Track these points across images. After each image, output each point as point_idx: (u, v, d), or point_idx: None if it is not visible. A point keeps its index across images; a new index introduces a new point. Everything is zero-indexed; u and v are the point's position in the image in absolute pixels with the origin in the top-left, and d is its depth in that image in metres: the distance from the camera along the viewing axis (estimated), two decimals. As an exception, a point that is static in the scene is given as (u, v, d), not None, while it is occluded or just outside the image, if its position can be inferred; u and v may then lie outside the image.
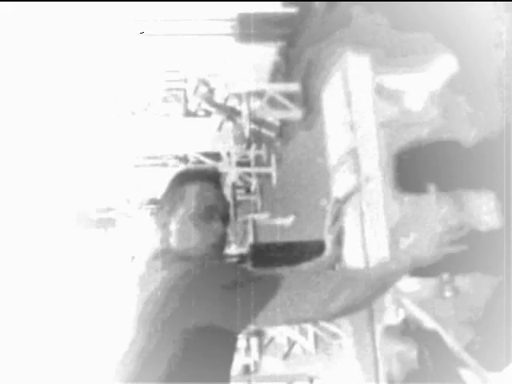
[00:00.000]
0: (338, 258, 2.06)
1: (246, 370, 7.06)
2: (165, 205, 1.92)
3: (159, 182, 8.34)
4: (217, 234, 1.88)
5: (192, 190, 1.89)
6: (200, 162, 8.00)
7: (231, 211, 2.04)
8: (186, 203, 1.87)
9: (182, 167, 8.10)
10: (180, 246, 1.84)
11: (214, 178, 1.96)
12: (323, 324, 5.70)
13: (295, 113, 6.41)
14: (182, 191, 1.89)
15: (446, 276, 2.27)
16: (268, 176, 7.51)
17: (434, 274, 2.51)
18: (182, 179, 1.94)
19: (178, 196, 1.89)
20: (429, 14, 2.78)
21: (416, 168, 2.40)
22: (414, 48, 2.87)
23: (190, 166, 7.99)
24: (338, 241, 2.05)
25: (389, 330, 2.01)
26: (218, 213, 1.89)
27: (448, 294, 2.26)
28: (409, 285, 2.26)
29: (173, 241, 1.86)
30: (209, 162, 7.95)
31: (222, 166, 7.75)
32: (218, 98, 7.35)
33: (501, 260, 2.19)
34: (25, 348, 6.57)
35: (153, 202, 9.05)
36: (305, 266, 2.07)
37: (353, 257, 2.27)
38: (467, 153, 2.38)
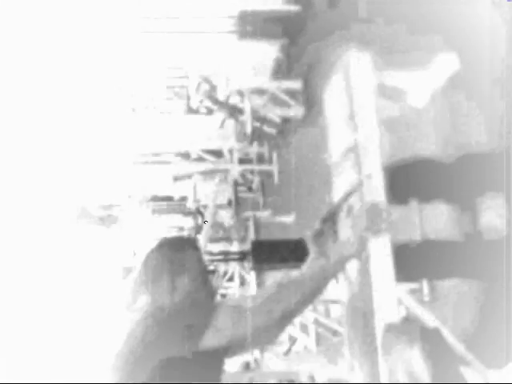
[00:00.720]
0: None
1: (247, 366, 7.07)
2: (163, 273, 2.13)
3: (161, 179, 8.36)
4: (212, 288, 2.20)
5: (194, 255, 2.19)
6: (202, 158, 8.00)
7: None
8: (190, 268, 2.14)
9: (184, 164, 8.11)
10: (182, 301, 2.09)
11: (196, 244, 2.31)
12: (324, 322, 5.72)
13: (297, 110, 6.41)
14: (182, 258, 2.16)
15: (425, 282, 2.28)
16: (270, 173, 7.52)
17: (415, 279, 2.52)
18: (176, 247, 2.22)
19: (179, 262, 2.15)
20: (431, 13, 2.78)
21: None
22: (415, 46, 2.88)
23: (192, 164, 7.99)
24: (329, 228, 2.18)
25: (390, 328, 2.02)
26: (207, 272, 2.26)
27: (426, 298, 2.27)
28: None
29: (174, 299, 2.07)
30: (211, 159, 7.96)
31: (223, 163, 7.76)
32: (220, 96, 7.34)
33: (485, 266, 2.20)
34: (25, 341, 6.58)
35: (154, 198, 9.05)
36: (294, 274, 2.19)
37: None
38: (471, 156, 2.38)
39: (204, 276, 2.17)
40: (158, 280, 2.12)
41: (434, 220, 2.57)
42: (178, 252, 2.19)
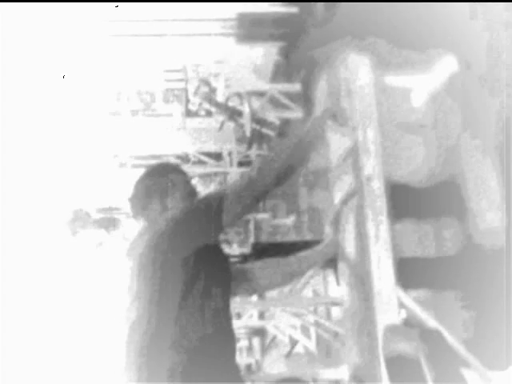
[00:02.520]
0: (335, 246, 2.36)
1: (248, 369, 7.06)
2: (154, 194, 2.27)
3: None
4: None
5: (179, 178, 2.33)
6: (201, 161, 8.00)
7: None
8: (178, 189, 2.27)
9: (183, 167, 8.09)
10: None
11: (180, 168, 2.51)
12: (325, 324, 5.71)
13: (296, 112, 6.41)
14: (169, 180, 2.29)
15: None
16: (269, 176, 7.50)
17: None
18: (162, 172, 2.36)
19: (167, 184, 2.27)
20: (431, 14, 2.78)
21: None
22: (415, 48, 2.88)
23: (191, 166, 7.99)
24: (336, 231, 2.34)
25: (391, 329, 2.01)
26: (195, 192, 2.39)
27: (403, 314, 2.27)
28: None
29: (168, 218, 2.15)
30: (210, 162, 7.95)
31: (223, 166, 7.76)
32: (219, 98, 7.34)
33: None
34: (24, 342, 6.58)
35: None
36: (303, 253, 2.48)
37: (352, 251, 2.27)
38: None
39: (192, 196, 2.27)
40: (150, 203, 2.24)
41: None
42: (163, 176, 2.32)
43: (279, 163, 2.10)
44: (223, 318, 2.06)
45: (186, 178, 2.37)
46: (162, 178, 2.31)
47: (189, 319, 1.95)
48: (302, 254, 2.45)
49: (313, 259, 2.43)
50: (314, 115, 2.26)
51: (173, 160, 8.27)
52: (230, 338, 2.08)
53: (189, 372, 1.89)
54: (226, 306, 2.10)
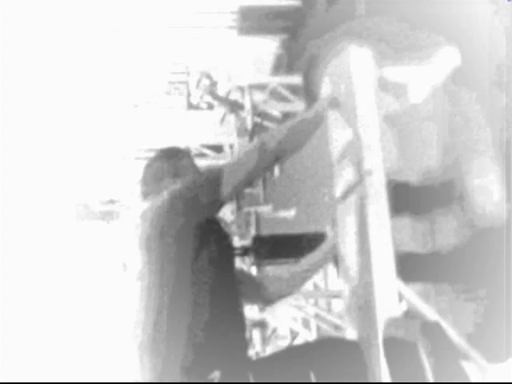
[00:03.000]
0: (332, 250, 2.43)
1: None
2: (164, 177, 2.30)
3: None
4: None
5: (188, 161, 2.39)
6: (202, 154, 8.00)
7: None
8: (187, 171, 2.32)
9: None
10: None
11: (189, 153, 2.56)
12: (326, 316, 5.72)
13: (298, 105, 6.40)
14: (178, 163, 2.34)
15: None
16: (270, 168, 7.51)
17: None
18: (172, 155, 2.39)
19: (177, 167, 2.33)
20: (432, 9, 2.78)
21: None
22: (417, 41, 2.87)
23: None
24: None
25: (391, 323, 2.02)
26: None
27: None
28: None
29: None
30: (211, 155, 7.96)
31: (224, 159, 7.75)
32: (221, 91, 7.34)
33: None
34: (27, 338, 6.60)
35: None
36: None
37: (353, 251, 2.28)
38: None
39: (201, 177, 2.26)
40: (160, 185, 2.25)
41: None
42: (172, 159, 2.36)
43: (278, 142, 2.14)
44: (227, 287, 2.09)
45: (193, 162, 2.42)
46: (172, 161, 2.35)
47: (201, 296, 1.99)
48: (309, 259, 2.47)
49: (318, 263, 2.47)
50: (315, 102, 2.31)
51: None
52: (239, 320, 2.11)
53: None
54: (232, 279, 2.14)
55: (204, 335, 1.94)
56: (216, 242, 2.11)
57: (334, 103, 2.31)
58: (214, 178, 2.07)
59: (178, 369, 1.90)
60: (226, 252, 2.18)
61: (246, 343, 2.11)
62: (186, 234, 2.03)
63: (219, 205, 2.12)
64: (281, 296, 2.49)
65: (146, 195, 2.34)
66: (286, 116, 6.94)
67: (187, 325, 1.95)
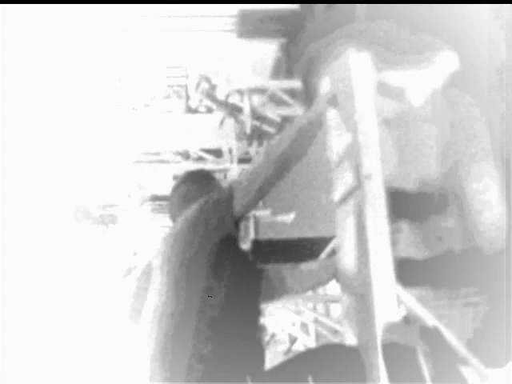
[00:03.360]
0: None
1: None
2: (190, 201, 2.33)
3: (160, 178, 8.35)
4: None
5: (212, 183, 2.48)
6: (201, 158, 8.00)
7: None
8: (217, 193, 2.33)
9: (183, 164, 8.10)
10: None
11: (213, 175, 2.60)
12: (324, 321, 5.71)
13: (296, 109, 6.40)
14: (203, 186, 2.43)
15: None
16: (269, 173, 7.49)
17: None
18: (197, 178, 2.49)
19: (202, 190, 2.40)
20: (430, 12, 2.77)
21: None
22: (415, 45, 2.87)
23: (191, 163, 7.99)
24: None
25: (389, 327, 2.02)
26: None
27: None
28: None
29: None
30: (210, 159, 7.95)
31: (223, 163, 7.76)
32: (220, 95, 7.34)
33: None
34: (26, 341, 6.59)
35: (154, 198, 9.05)
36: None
37: (352, 257, 2.27)
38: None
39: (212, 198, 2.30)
40: (187, 207, 2.27)
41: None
42: (198, 182, 2.45)
43: (280, 152, 2.15)
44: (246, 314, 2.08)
45: (218, 183, 2.49)
46: (197, 185, 2.43)
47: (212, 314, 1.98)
48: (308, 267, 2.48)
49: (317, 277, 2.45)
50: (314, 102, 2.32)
51: (172, 156, 8.28)
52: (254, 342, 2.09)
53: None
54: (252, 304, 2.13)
55: (218, 349, 1.93)
56: (234, 260, 2.11)
57: (333, 101, 2.30)
58: (225, 198, 2.11)
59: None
60: (246, 271, 2.17)
61: (262, 359, 2.10)
62: (204, 255, 2.03)
63: (233, 222, 2.12)
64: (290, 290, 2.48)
65: (173, 218, 2.41)
66: (285, 120, 6.94)
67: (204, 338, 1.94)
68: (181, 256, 2.04)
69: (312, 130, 2.24)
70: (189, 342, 1.92)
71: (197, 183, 2.44)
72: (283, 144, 2.17)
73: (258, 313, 2.14)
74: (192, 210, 2.14)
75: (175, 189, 2.47)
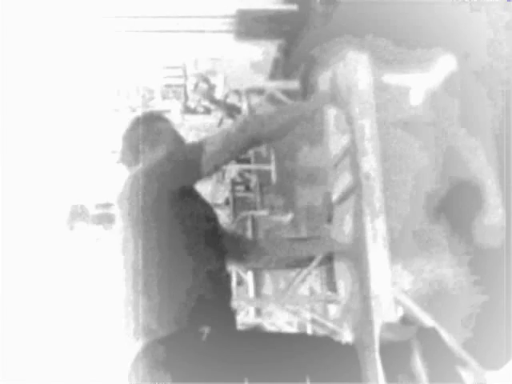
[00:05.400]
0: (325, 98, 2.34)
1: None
2: (144, 144, 2.30)
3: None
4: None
5: (166, 125, 2.42)
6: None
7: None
8: (166, 136, 2.36)
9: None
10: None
11: (165, 117, 2.56)
12: (322, 321, 5.71)
13: (295, 110, 6.40)
14: (156, 129, 2.37)
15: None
16: (267, 173, 7.51)
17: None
18: (148, 121, 2.42)
19: (155, 133, 2.34)
20: (429, 14, 2.78)
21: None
22: (414, 47, 2.88)
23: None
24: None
25: (387, 328, 2.01)
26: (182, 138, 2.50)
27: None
28: None
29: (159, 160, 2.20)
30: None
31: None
32: (218, 95, 7.33)
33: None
34: (24, 343, 6.58)
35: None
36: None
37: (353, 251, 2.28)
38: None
39: (180, 143, 2.36)
40: (140, 153, 2.28)
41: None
42: (150, 125, 2.38)
43: (260, 132, 2.17)
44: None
45: (171, 126, 2.45)
46: (149, 127, 2.38)
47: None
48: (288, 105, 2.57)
49: (300, 110, 2.32)
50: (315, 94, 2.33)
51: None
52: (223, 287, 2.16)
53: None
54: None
55: (191, 292, 2.01)
56: (196, 209, 2.15)
57: (334, 98, 2.30)
58: (195, 152, 2.11)
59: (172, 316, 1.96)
60: (206, 219, 2.21)
61: (229, 297, 2.17)
62: (167, 199, 2.05)
63: (197, 176, 2.14)
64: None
65: (127, 164, 2.37)
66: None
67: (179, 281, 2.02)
68: (141, 201, 2.05)
69: (300, 123, 2.27)
70: (155, 290, 2.01)
71: (151, 125, 2.39)
72: (266, 127, 2.19)
73: (223, 256, 2.22)
74: (161, 156, 2.14)
75: (127, 134, 2.42)
